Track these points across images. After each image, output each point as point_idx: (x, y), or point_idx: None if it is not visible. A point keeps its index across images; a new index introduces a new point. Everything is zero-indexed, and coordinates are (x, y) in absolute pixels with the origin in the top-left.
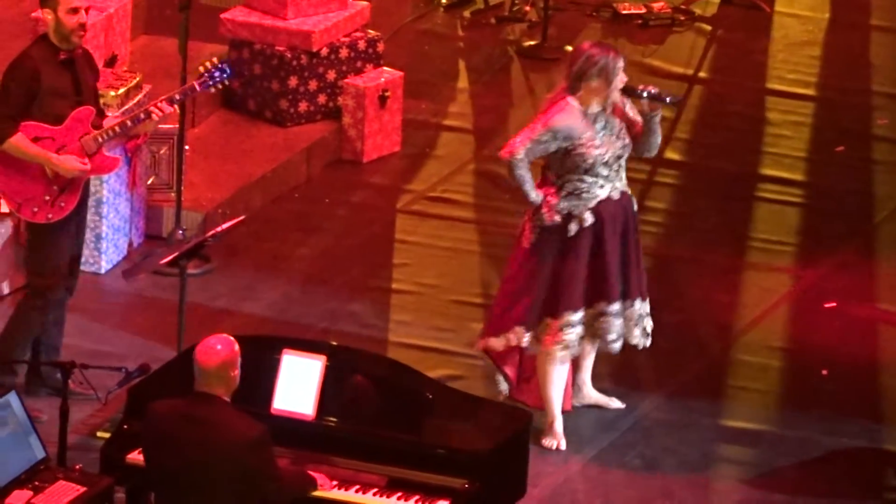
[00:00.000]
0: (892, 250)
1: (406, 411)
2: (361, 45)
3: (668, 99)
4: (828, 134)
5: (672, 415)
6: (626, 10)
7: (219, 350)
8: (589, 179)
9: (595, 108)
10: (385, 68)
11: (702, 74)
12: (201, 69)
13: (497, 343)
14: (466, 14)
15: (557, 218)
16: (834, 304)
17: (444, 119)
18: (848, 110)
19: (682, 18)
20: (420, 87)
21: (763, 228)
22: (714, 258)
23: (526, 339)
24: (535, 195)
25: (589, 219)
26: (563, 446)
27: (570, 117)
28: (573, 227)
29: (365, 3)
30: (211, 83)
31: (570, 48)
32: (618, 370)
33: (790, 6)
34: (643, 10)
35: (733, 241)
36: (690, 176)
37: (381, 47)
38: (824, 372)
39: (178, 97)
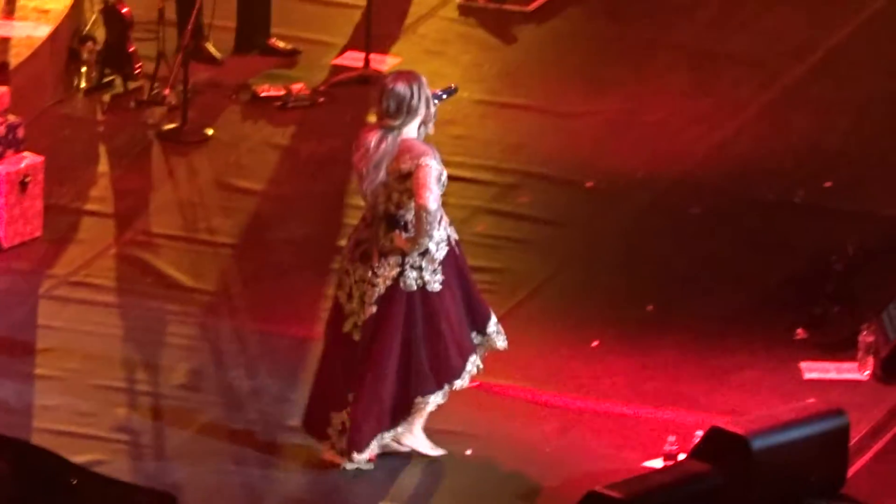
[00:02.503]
0: (533, 328)
1: (51, 497)
2: (1, 130)
3: (451, 91)
4: (467, 213)
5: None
6: (266, 91)
7: None
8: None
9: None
10: (26, 153)
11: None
12: None
13: (440, 398)
14: (106, 98)
15: (445, 246)
16: (478, 384)
17: (86, 203)
18: (488, 189)
19: (321, 100)
20: (61, 171)
21: None
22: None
23: (469, 373)
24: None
25: (455, 235)
26: None
27: (432, 149)
28: (457, 250)
29: (4, 88)
30: None
31: (210, 131)
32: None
33: (429, 86)
34: (282, 92)
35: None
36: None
37: (21, 132)
38: (468, 451)
39: None
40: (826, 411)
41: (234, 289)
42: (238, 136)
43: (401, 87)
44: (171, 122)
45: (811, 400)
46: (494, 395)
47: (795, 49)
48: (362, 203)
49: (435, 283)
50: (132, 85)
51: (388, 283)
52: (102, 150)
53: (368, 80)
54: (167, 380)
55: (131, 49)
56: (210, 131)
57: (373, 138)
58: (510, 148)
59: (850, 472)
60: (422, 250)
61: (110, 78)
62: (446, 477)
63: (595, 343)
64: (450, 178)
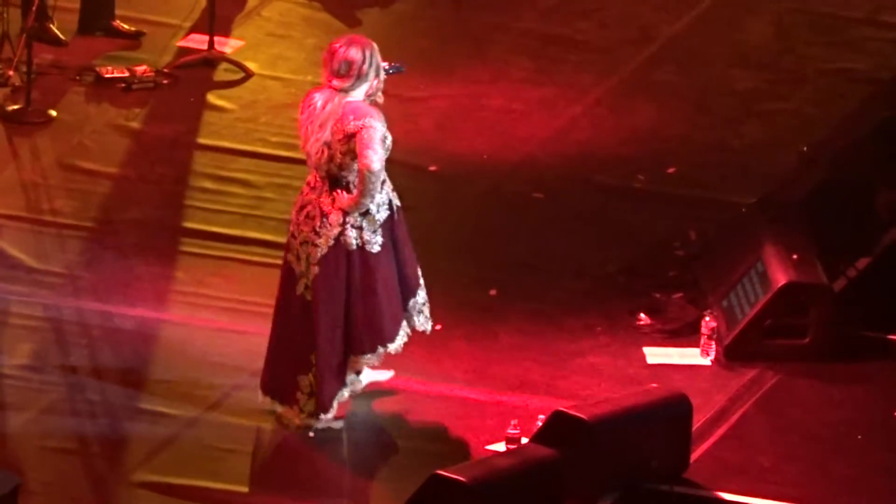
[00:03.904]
0: None
1: None
2: None
3: (396, 69)
4: None
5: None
6: (109, 73)
7: None
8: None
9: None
10: None
11: (195, 138)
12: None
13: (373, 359)
14: None
15: (387, 210)
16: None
17: None
18: None
19: (165, 82)
20: None
21: (250, 290)
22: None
23: (402, 338)
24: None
25: (397, 201)
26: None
27: (376, 111)
28: (396, 216)
29: None
30: None
31: (53, 112)
32: None
33: (273, 69)
34: (126, 74)
35: (227, 303)
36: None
37: None
38: (311, 434)
39: None
40: (668, 396)
41: (77, 270)
42: (82, 117)
43: (353, 51)
44: (15, 103)
45: (654, 385)
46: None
47: (638, 36)
48: (207, 185)
49: (374, 244)
50: None
51: (331, 242)
52: None
53: (212, 63)
54: (9, 360)
55: None
56: (54, 112)
57: (319, 98)
58: None
59: (693, 456)
60: (362, 210)
61: None
62: (280, 459)
63: (438, 326)
64: (293, 161)
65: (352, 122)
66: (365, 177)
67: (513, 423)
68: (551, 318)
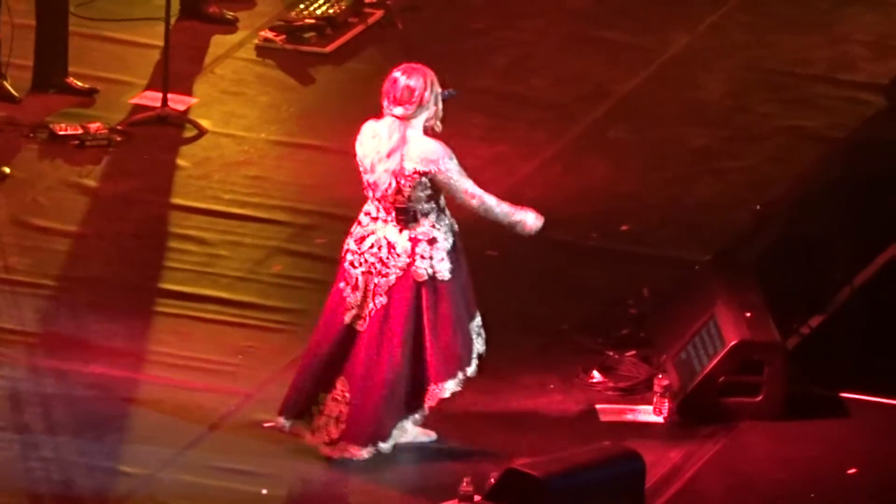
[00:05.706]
0: None
1: None
2: None
3: (450, 93)
4: (264, 253)
5: None
6: (63, 130)
7: None
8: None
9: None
10: None
11: (149, 196)
12: None
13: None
14: None
15: (452, 236)
16: (271, 424)
17: None
18: (284, 229)
19: (119, 139)
20: None
21: (202, 349)
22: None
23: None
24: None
25: (455, 227)
26: None
27: (442, 145)
28: (458, 242)
29: None
30: None
31: (7, 169)
32: None
33: (226, 126)
34: (80, 131)
35: (181, 360)
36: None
37: None
38: (264, 491)
39: None
40: (622, 454)
41: (31, 327)
42: (35, 174)
43: (415, 79)
44: None
45: (607, 442)
46: (288, 434)
47: (591, 94)
48: (161, 242)
49: (444, 271)
50: None
51: (399, 273)
52: None
53: (166, 120)
54: None
55: None
56: (7, 169)
57: (384, 128)
58: (307, 189)
59: None
60: (514, 223)
61: None
62: None
63: None
64: (246, 218)
65: (424, 164)
66: (483, 209)
67: (465, 480)
68: (504, 376)
